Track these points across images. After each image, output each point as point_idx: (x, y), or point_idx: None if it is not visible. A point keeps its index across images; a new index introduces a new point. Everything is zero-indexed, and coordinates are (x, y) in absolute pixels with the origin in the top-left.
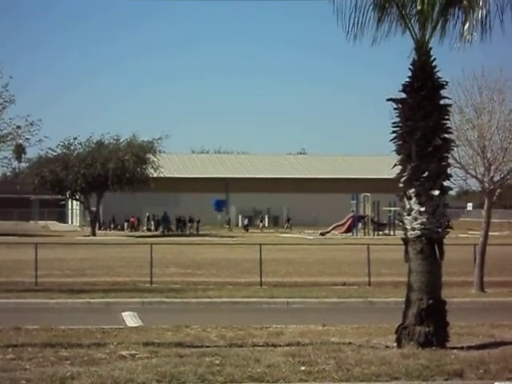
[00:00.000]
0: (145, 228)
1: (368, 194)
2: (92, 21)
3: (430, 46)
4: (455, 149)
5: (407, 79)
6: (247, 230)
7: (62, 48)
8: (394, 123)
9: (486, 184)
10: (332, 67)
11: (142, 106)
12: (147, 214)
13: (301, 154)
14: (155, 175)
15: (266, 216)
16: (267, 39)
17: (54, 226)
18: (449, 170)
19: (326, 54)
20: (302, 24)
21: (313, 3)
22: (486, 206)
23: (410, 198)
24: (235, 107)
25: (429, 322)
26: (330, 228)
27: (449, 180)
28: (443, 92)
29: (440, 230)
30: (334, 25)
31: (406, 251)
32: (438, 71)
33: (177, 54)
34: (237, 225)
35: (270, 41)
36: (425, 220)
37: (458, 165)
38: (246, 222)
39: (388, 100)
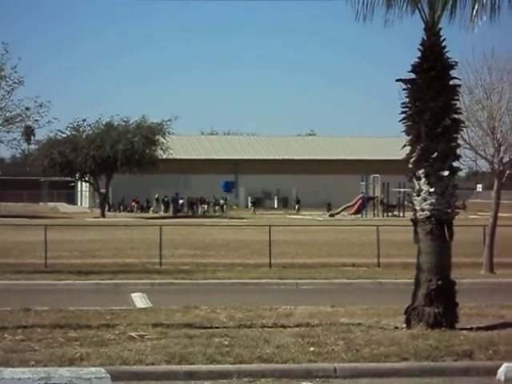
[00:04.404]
0: (151, 210)
1: (377, 175)
2: (104, 4)
3: (440, 26)
4: (465, 129)
5: (416, 59)
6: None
7: (72, 31)
8: (403, 104)
9: (496, 165)
10: (340, 51)
11: (151, 90)
12: (156, 196)
13: (310, 135)
14: (164, 157)
15: (276, 197)
16: (274, 31)
17: (64, 207)
18: (458, 151)
19: (333, 42)
20: (308, 16)
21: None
22: (495, 187)
23: (419, 179)
24: (244, 89)
25: (438, 302)
26: (340, 209)
27: (458, 161)
28: (453, 72)
29: (449, 210)
30: (341, 16)
31: (416, 232)
32: (447, 51)
33: (187, 41)
34: (246, 206)
35: (278, 33)
36: (434, 201)
37: (468, 146)
38: (250, 204)
39: (397, 80)
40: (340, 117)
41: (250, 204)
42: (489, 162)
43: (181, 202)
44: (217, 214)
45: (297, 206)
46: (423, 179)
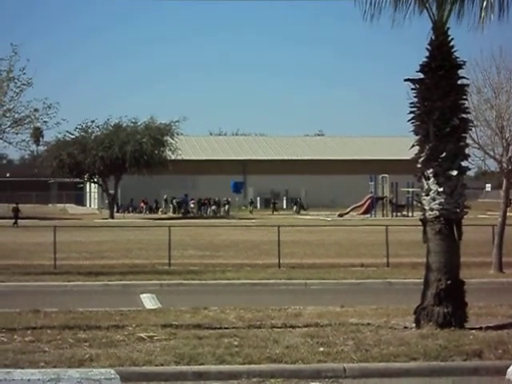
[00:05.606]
0: (160, 211)
1: (386, 175)
2: (109, 5)
3: (448, 25)
4: (473, 129)
5: (425, 59)
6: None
7: (77, 32)
8: (411, 103)
9: (505, 164)
10: (347, 56)
11: (159, 91)
12: (165, 197)
13: (318, 135)
14: (173, 158)
15: (284, 198)
16: (279, 33)
17: (72, 208)
18: (467, 151)
19: (338, 44)
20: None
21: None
22: (504, 187)
23: (428, 179)
24: (253, 90)
25: (447, 302)
26: (349, 209)
27: (467, 160)
28: (461, 72)
29: (458, 210)
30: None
31: (425, 232)
32: (455, 51)
33: (195, 41)
34: (255, 206)
35: (284, 34)
36: (443, 200)
37: (476, 145)
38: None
39: (405, 80)
40: (348, 117)
41: (258, 203)
42: (497, 162)
43: (192, 204)
44: (222, 214)
45: (295, 208)
46: (432, 179)
